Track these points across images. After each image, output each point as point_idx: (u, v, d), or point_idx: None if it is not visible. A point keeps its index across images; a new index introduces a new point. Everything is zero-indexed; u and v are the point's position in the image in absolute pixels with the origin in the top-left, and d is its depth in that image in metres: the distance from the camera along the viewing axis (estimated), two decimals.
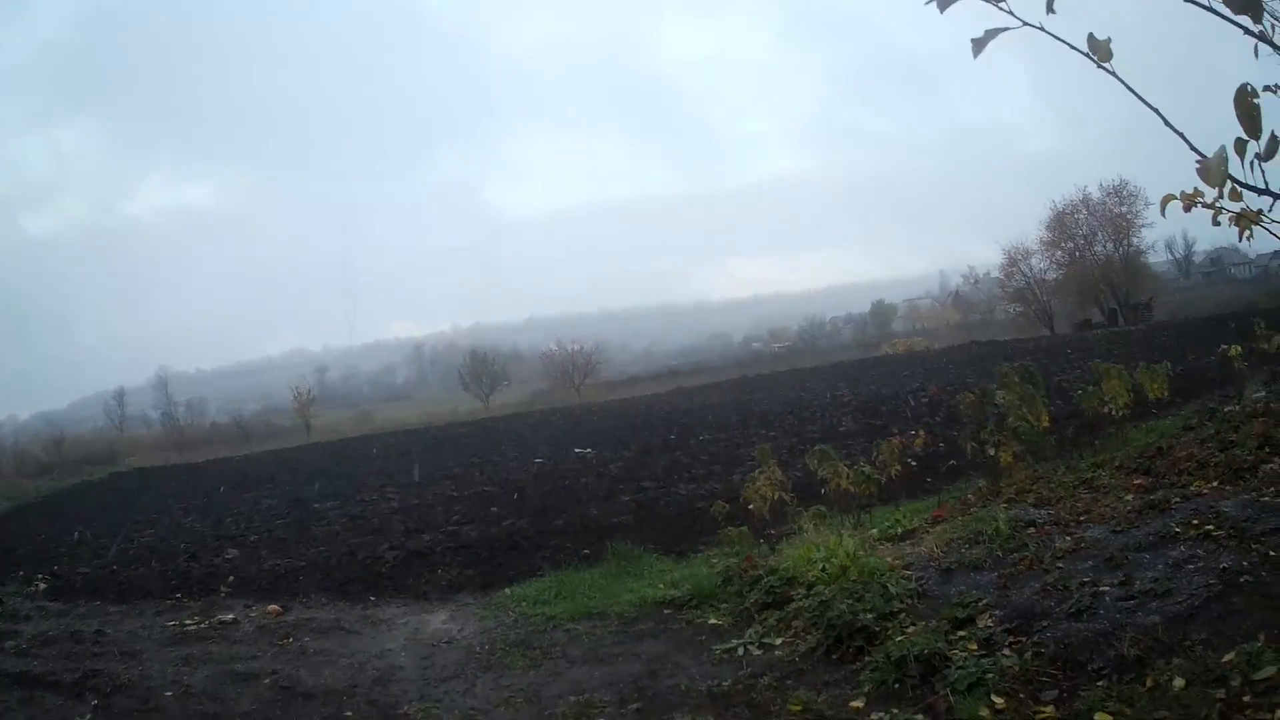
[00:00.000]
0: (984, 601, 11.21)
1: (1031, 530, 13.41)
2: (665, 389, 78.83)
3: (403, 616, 16.79)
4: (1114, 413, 20.88)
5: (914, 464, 21.04)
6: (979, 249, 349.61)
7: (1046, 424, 19.20)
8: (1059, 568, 11.52)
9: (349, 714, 12.08)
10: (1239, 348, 24.91)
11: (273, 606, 18.29)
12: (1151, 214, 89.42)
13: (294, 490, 40.58)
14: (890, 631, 11.19)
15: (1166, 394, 23.43)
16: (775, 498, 17.54)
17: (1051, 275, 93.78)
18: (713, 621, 13.74)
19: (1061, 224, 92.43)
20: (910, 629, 11.17)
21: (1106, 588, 10.48)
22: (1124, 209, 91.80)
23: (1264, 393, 21.44)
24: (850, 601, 11.95)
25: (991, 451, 18.37)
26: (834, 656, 11.18)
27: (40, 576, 24.72)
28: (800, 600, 12.86)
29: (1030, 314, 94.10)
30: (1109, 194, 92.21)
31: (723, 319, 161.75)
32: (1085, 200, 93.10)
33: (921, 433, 21.35)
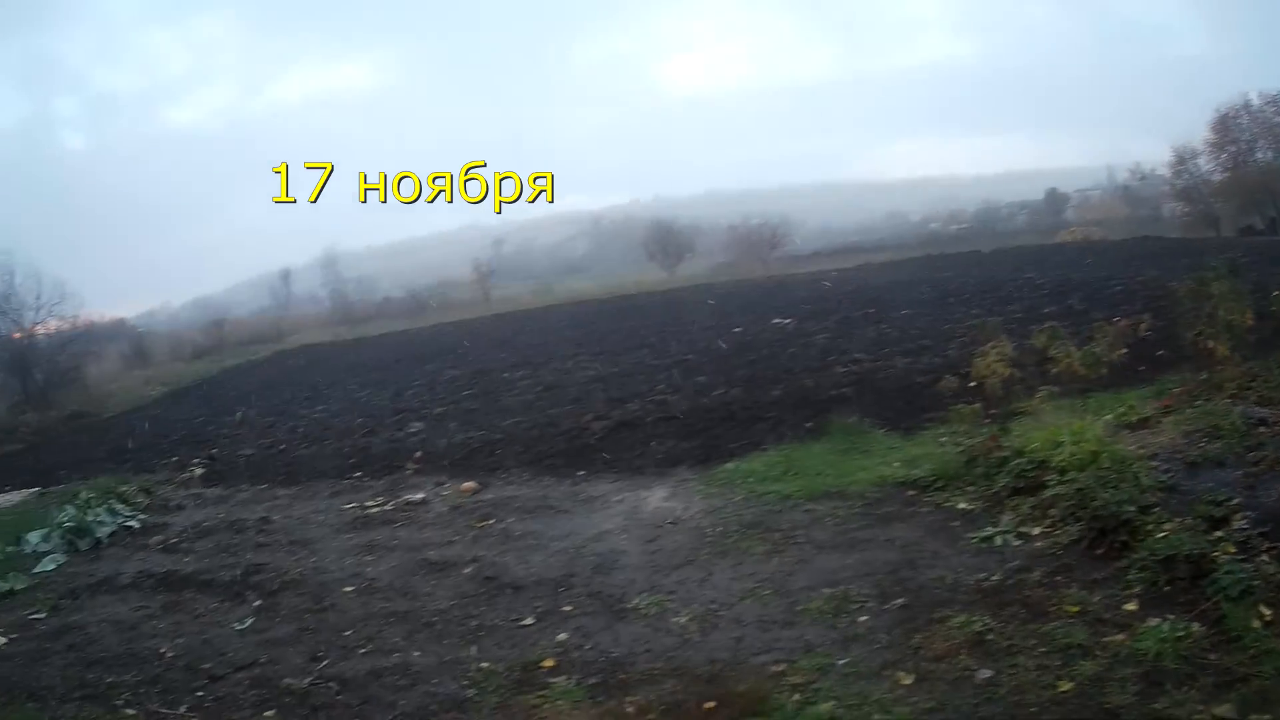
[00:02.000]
0: (1234, 501, 10.30)
1: (1263, 429, 12.58)
2: (849, 264, 75.43)
3: (617, 493, 15.48)
4: None
5: (1125, 351, 19.35)
6: (1141, 145, 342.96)
7: (1250, 322, 17.83)
8: None
9: (567, 608, 10.88)
10: None
11: (467, 483, 17.08)
12: None
13: (478, 361, 38.72)
14: (1148, 527, 10.29)
15: None
16: (1006, 374, 16.67)
17: (1217, 178, 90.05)
18: (961, 506, 12.59)
19: (1224, 127, 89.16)
20: (1167, 525, 10.22)
21: None
22: None
23: None
24: (1110, 492, 10.97)
25: (1210, 344, 17.00)
26: (1097, 551, 10.39)
27: (196, 461, 23.63)
28: (1054, 487, 11.82)
29: (1196, 215, 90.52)
30: (1267, 103, 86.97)
31: (897, 199, 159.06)
32: (1246, 106, 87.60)
33: (1146, 317, 19.89)
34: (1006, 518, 11.75)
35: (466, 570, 12.37)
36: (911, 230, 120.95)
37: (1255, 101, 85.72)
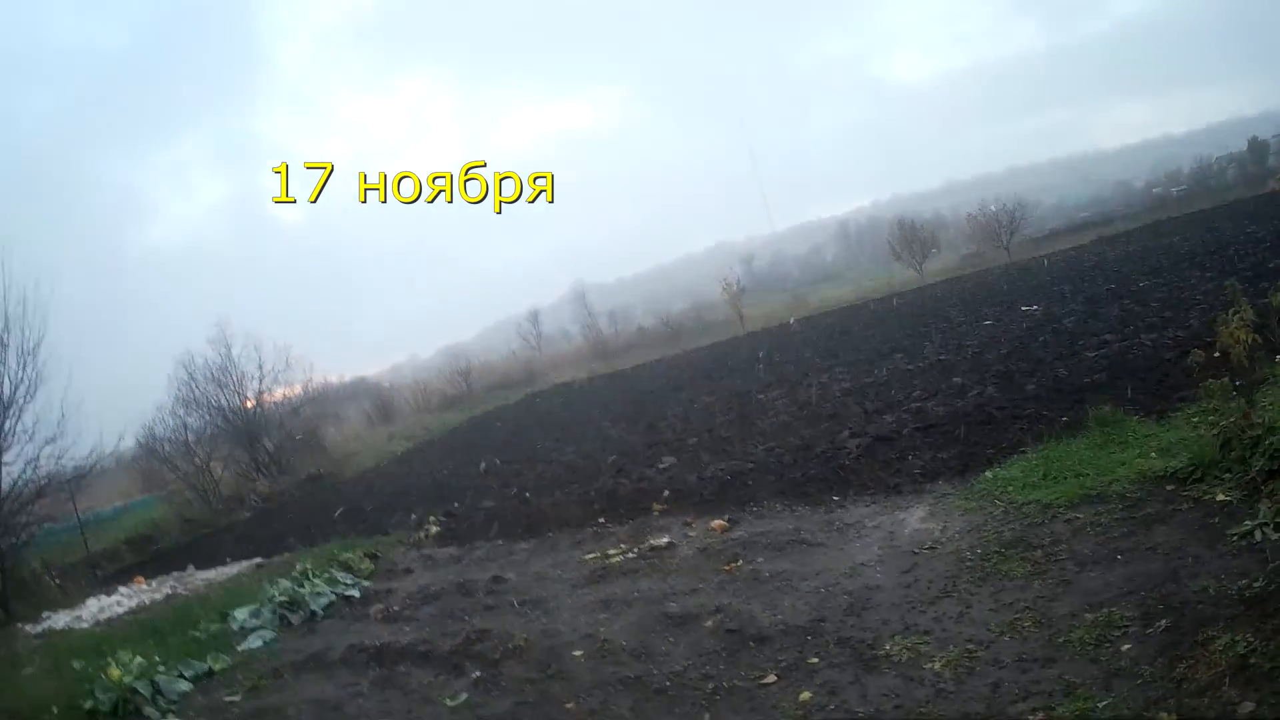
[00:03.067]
0: None
1: None
2: (1085, 241, 75.64)
3: (873, 517, 14.62)
4: None
5: None
6: None
7: None
8: None
9: (814, 659, 9.98)
10: None
11: (716, 521, 16.26)
12: None
13: (734, 383, 37.22)
14: None
15: None
16: (1250, 340, 15.24)
17: None
18: (1220, 497, 11.40)
19: None
20: None
21: None
22: None
23: None
24: None
25: None
26: None
27: (433, 517, 23.24)
28: None
29: None
30: None
31: (1119, 166, 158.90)
32: None
33: None
34: (1265, 506, 10.50)
35: (709, 623, 11.56)
36: (1138, 197, 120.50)
37: None
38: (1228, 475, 11.85)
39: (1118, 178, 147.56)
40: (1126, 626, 8.82)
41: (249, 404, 51.90)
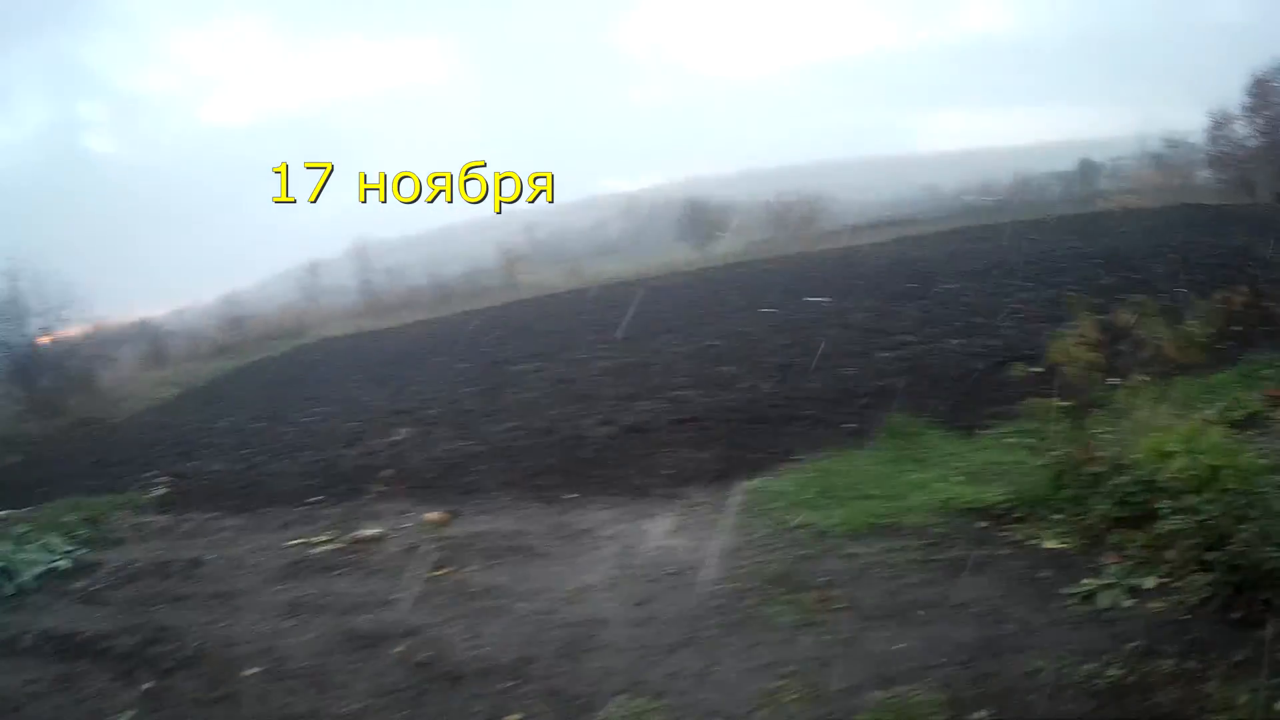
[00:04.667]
0: None
1: None
2: (883, 239, 72.88)
3: (610, 525, 12.30)
4: None
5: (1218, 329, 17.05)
6: (1173, 113, 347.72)
7: None
8: None
9: (514, 716, 7.75)
10: None
11: (432, 514, 13.87)
12: None
13: (493, 351, 35.03)
14: None
15: None
16: (1090, 360, 13.76)
17: (1253, 143, 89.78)
18: (1050, 545, 9.72)
19: (1263, 90, 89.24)
20: None
21: None
22: None
23: None
24: (1244, 527, 8.26)
25: None
26: (1233, 614, 7.68)
27: (161, 478, 20.76)
28: (1168, 517, 9.03)
29: (1232, 181, 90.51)
30: None
31: (932, 172, 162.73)
32: None
33: (1246, 289, 17.09)
34: (1113, 564, 8.93)
35: (399, 648, 9.36)
36: (946, 203, 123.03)
37: None
38: (1058, 517, 10.20)
39: (928, 182, 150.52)
40: (929, 717, 6.78)
41: (41, 340, 49.50)
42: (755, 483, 12.85)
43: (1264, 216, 55.03)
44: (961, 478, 11.98)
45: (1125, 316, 14.51)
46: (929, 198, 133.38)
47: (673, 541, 11.22)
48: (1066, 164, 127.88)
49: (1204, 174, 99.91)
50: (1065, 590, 8.52)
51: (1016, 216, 76.61)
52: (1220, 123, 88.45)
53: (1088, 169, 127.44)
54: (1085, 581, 8.57)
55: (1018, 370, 14.30)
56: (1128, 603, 8.16)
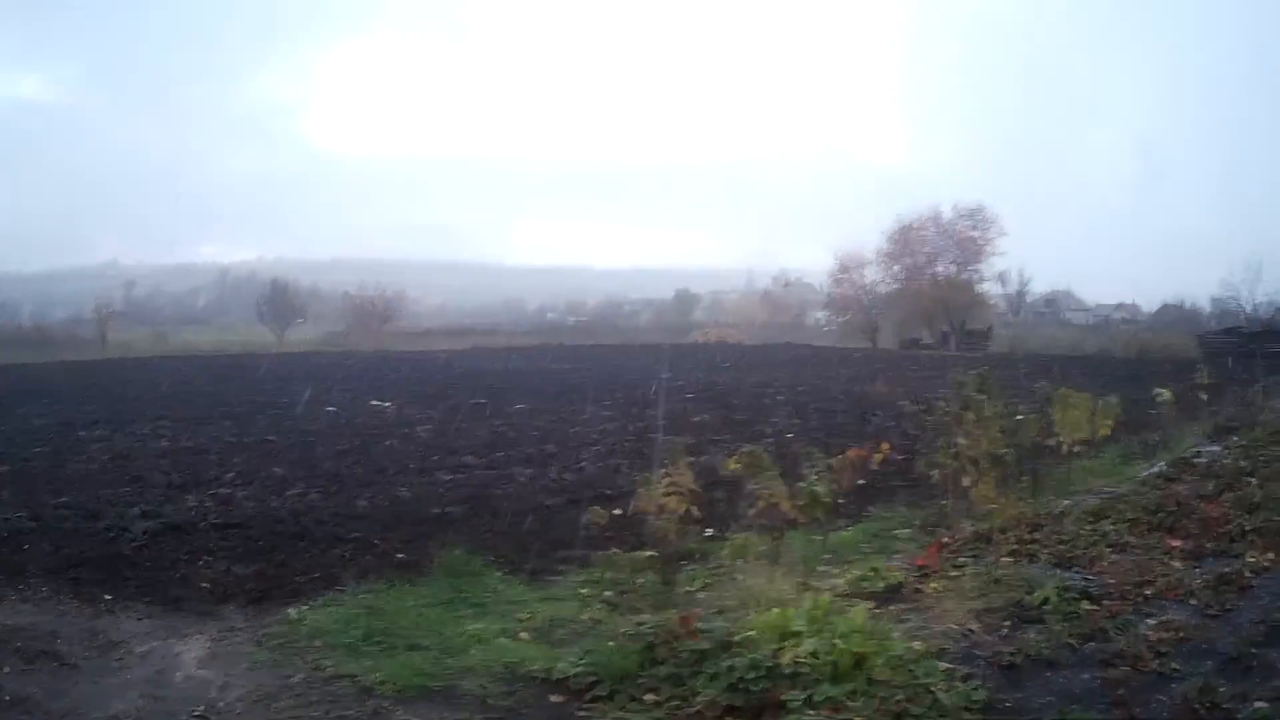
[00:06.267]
0: None
1: (1090, 606, 10.55)
2: (462, 346, 76.68)
3: (144, 639, 10.57)
4: (1062, 446, 19.17)
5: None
6: (792, 250, 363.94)
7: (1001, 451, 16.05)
8: (1176, 670, 8.83)
9: None
10: (1169, 392, 25.23)
11: None
12: (1004, 243, 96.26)
13: (69, 410, 33.25)
14: None
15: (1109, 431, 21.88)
16: (682, 511, 12.20)
17: (884, 289, 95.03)
18: None
19: (906, 238, 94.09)
20: None
21: (1261, 703, 7.93)
22: (976, 233, 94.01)
23: (1218, 448, 21.93)
24: None
25: (967, 482, 15.32)
26: None
27: None
28: (799, 712, 7.95)
29: (852, 324, 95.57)
30: (963, 215, 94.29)
31: (520, 284, 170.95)
32: (935, 218, 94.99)
33: (885, 445, 16.17)
34: None
35: None
36: (529, 318, 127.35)
37: (947, 214, 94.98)
38: (651, 698, 8.83)
39: (513, 295, 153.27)
40: None
41: None
42: (294, 612, 11.35)
43: (884, 360, 56.98)
44: (529, 634, 10.79)
45: (734, 464, 13.12)
46: (512, 310, 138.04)
47: (205, 673, 9.63)
48: (666, 290, 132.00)
49: (818, 315, 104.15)
50: None
51: (602, 340, 78.21)
52: (846, 265, 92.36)
53: (684, 299, 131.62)
54: None
55: (595, 514, 12.71)
56: None
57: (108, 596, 12.10)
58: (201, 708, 8.63)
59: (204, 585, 12.48)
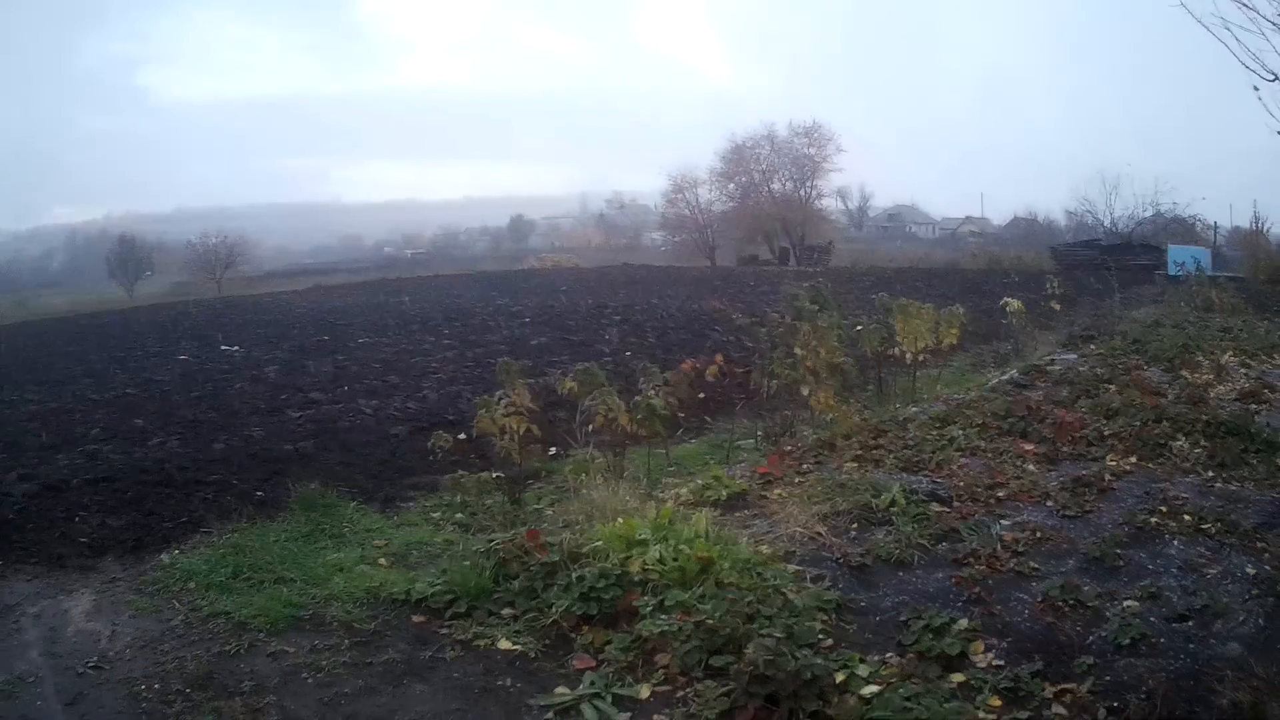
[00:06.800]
0: (961, 623, 8.01)
1: (939, 507, 10.85)
2: (302, 287, 74.46)
3: (35, 599, 10.62)
4: (906, 356, 19.59)
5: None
6: (625, 175, 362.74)
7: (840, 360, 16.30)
8: (1034, 569, 9.07)
9: None
10: (1019, 302, 25.08)
11: None
12: (844, 160, 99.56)
13: None
14: (846, 681, 7.30)
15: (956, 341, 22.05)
16: (523, 431, 12.82)
17: (719, 207, 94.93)
18: (505, 645, 8.74)
19: (740, 156, 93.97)
20: (871, 675, 7.43)
21: (1131, 602, 8.15)
22: (813, 150, 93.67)
23: (1074, 356, 22.34)
24: (758, 626, 7.93)
25: (806, 391, 15.83)
26: None
27: None
28: (652, 618, 8.46)
29: (689, 244, 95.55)
30: (799, 133, 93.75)
31: (356, 222, 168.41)
32: (770, 136, 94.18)
33: (719, 357, 16.35)
34: (585, 668, 8.26)
35: None
36: (367, 254, 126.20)
37: (782, 133, 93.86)
38: (509, 612, 9.40)
39: (350, 232, 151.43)
40: None
41: None
42: (167, 557, 11.55)
43: (723, 279, 56.76)
44: (386, 560, 11.17)
45: (569, 384, 13.60)
46: (350, 248, 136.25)
47: (93, 625, 9.81)
48: (500, 219, 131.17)
49: (654, 236, 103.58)
50: (536, 702, 7.81)
51: (440, 270, 77.34)
52: (680, 185, 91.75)
53: (519, 225, 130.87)
54: (560, 691, 7.86)
55: (439, 439, 13.09)
56: (621, 717, 7.49)
57: None
58: (95, 658, 8.87)
59: (82, 540, 12.50)
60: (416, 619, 9.44)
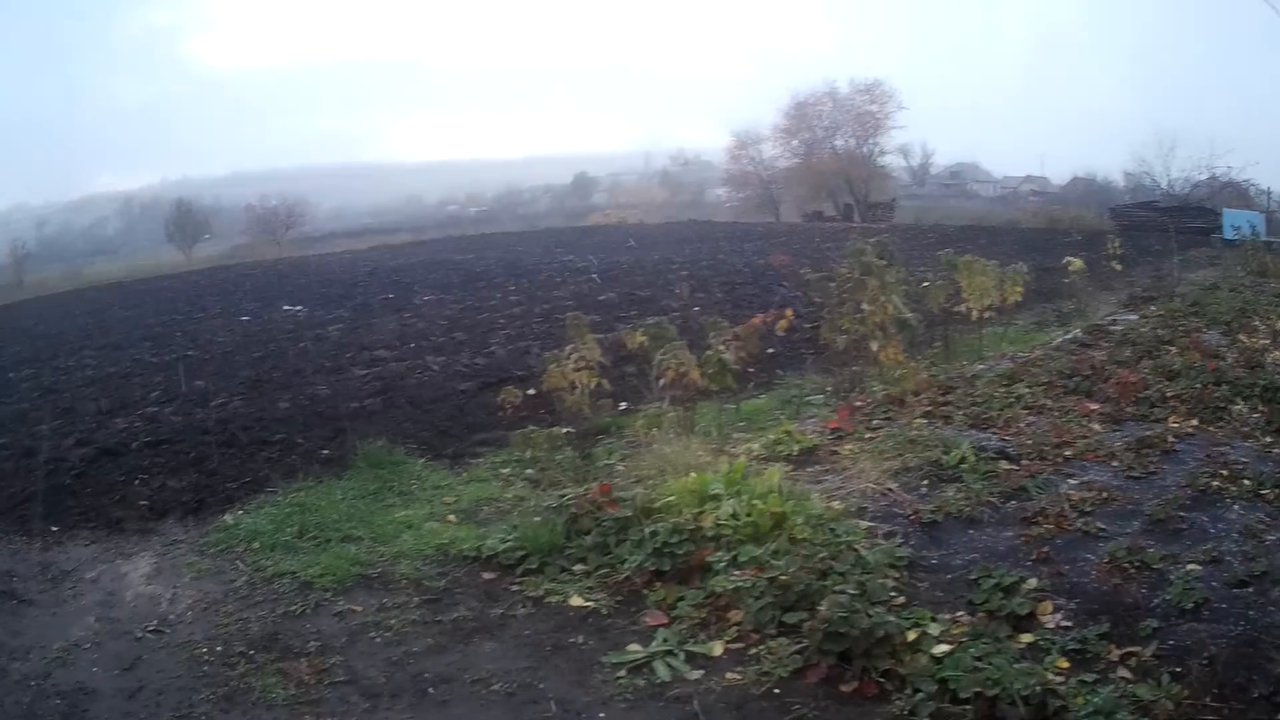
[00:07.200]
0: (1030, 583, 7.88)
1: (1008, 465, 10.61)
2: (364, 246, 72.61)
3: (93, 564, 10.61)
4: (971, 313, 18.72)
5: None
6: (687, 131, 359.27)
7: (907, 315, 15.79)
8: (1100, 529, 8.75)
9: None
10: (1080, 261, 24.54)
11: None
12: (906, 118, 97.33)
13: None
14: (916, 640, 7.12)
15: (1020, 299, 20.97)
16: (593, 386, 12.90)
17: (782, 164, 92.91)
18: (577, 602, 8.65)
19: (801, 113, 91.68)
20: (942, 634, 7.27)
21: (1194, 566, 7.87)
22: (875, 107, 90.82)
23: (1135, 316, 21.70)
24: (835, 584, 7.62)
25: (875, 347, 15.03)
26: (843, 687, 6.88)
27: None
28: (724, 573, 8.40)
29: (753, 200, 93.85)
30: (860, 90, 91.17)
31: (417, 181, 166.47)
32: (832, 93, 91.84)
33: (789, 312, 16.11)
34: (658, 625, 8.14)
35: None
36: (429, 213, 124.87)
37: (843, 89, 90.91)
38: (581, 568, 9.31)
39: (413, 192, 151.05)
40: None
41: None
42: (230, 518, 11.46)
43: (787, 235, 56.32)
44: (456, 516, 11.10)
45: (638, 338, 13.51)
46: (412, 207, 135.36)
47: (153, 589, 9.75)
48: (564, 177, 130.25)
49: (717, 192, 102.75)
50: (608, 660, 7.66)
51: (503, 229, 77.05)
52: (744, 142, 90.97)
53: (582, 183, 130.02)
54: (632, 648, 7.75)
55: (508, 394, 13.25)
56: (694, 675, 7.33)
57: (54, 528, 12.03)
58: (155, 622, 8.81)
59: (142, 503, 12.44)
60: (486, 576, 9.37)
